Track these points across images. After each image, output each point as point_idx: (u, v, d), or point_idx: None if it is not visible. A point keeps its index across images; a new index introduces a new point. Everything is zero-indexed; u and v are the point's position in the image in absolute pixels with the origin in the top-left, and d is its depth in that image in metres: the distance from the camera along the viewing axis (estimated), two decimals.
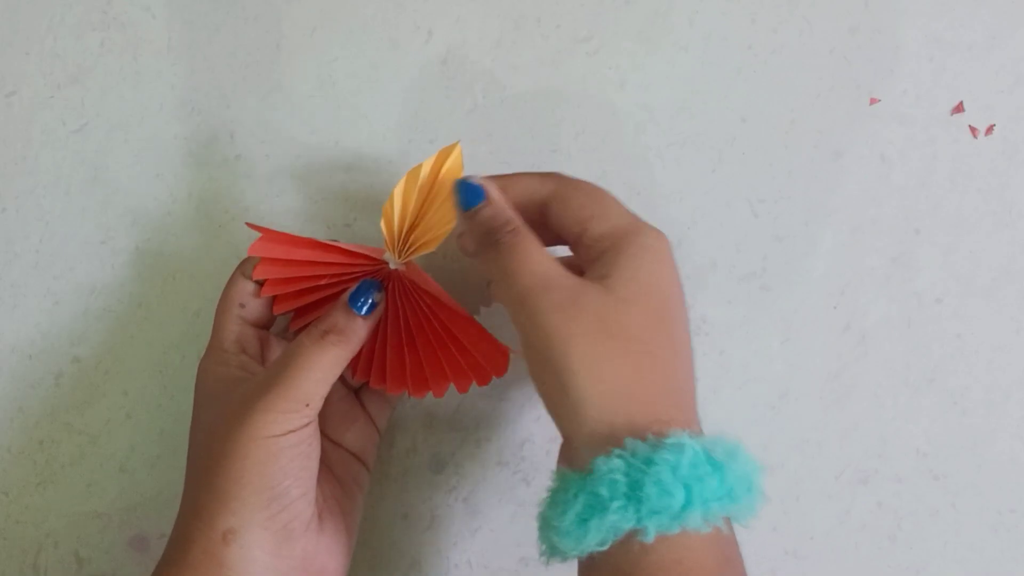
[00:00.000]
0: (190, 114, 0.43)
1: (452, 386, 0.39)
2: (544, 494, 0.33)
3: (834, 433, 0.44)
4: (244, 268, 0.39)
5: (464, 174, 0.36)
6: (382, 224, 0.37)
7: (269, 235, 0.37)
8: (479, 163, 0.43)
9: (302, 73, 0.44)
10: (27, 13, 0.43)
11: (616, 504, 0.29)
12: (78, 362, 0.43)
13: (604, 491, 0.29)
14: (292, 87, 0.44)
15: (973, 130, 0.45)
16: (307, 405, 0.34)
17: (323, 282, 0.38)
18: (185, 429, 0.38)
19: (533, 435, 0.44)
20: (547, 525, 0.32)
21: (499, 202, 0.34)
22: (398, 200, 0.36)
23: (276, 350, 0.40)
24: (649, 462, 0.29)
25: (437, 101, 0.43)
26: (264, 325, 0.40)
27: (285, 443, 0.33)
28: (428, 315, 0.38)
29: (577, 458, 0.32)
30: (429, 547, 0.43)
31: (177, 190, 0.43)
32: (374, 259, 0.38)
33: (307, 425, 0.34)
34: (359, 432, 0.40)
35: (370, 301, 0.36)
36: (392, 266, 0.38)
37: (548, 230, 0.36)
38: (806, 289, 0.45)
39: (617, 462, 0.30)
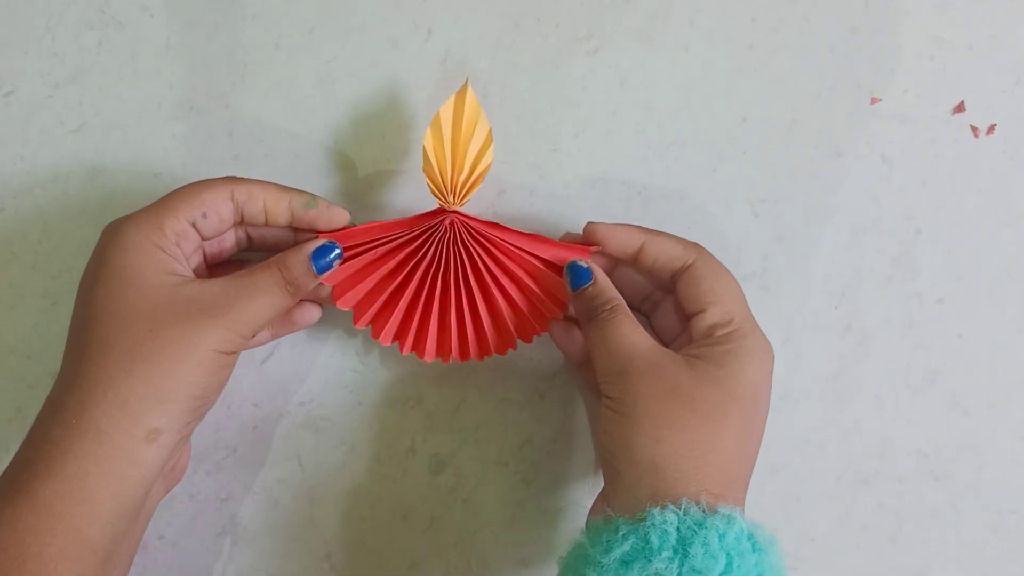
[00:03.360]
0: (188, 113, 0.43)
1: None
2: (577, 537, 0.35)
3: (835, 434, 0.44)
4: (236, 184, 0.38)
5: (480, 114, 0.39)
6: (427, 181, 0.39)
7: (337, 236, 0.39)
8: None
9: (301, 72, 0.43)
10: (25, 12, 0.43)
11: (664, 554, 0.32)
12: None
13: (654, 539, 0.32)
14: (291, 86, 0.43)
15: (974, 130, 0.45)
16: (253, 334, 0.37)
17: (383, 250, 0.39)
18: None
19: (533, 436, 0.44)
20: (585, 558, 0.33)
21: (603, 282, 0.39)
22: (431, 153, 0.39)
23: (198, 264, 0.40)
24: (700, 524, 0.32)
25: (436, 100, 0.43)
26: (208, 249, 0.39)
27: (227, 361, 0.36)
28: (497, 257, 0.39)
29: (627, 504, 0.34)
30: (429, 548, 0.43)
31: None
32: (432, 212, 0.39)
33: (241, 350, 0.37)
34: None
35: (329, 260, 0.38)
36: (451, 208, 0.39)
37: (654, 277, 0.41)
38: (807, 289, 0.44)
39: (671, 516, 0.32)
